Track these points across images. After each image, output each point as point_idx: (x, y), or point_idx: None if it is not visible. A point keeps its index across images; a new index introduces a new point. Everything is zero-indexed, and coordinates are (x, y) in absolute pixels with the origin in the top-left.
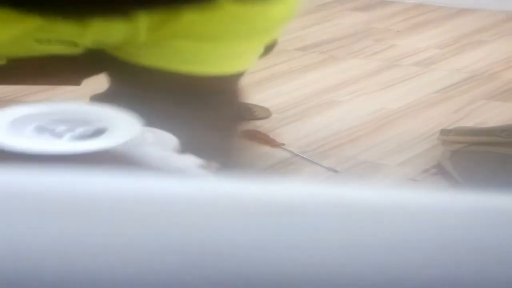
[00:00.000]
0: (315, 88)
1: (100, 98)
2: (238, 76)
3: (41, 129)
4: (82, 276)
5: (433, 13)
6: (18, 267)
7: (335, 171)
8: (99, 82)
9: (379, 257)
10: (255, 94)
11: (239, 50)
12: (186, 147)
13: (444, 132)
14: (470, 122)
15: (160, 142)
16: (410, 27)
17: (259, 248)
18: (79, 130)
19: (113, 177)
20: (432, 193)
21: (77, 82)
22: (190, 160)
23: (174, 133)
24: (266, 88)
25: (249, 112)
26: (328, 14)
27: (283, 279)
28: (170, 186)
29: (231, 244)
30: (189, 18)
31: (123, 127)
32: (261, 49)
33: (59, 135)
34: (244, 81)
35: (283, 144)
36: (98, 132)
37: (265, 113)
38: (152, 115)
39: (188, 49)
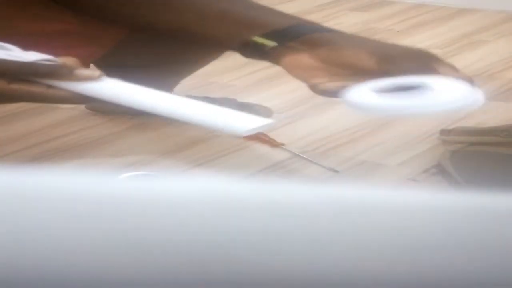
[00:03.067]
0: None
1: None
2: None
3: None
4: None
5: (433, 13)
6: (18, 267)
7: (335, 171)
8: None
9: (379, 256)
10: (255, 94)
11: None
12: None
13: (444, 132)
14: (470, 122)
15: None
16: (410, 27)
17: (259, 248)
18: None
19: (112, 178)
20: (432, 193)
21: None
22: None
23: None
24: (266, 88)
25: (249, 112)
26: (328, 14)
27: (283, 279)
28: (170, 186)
29: (231, 244)
30: None
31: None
32: None
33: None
34: (245, 81)
35: (283, 144)
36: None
37: (266, 113)
38: None
39: None
